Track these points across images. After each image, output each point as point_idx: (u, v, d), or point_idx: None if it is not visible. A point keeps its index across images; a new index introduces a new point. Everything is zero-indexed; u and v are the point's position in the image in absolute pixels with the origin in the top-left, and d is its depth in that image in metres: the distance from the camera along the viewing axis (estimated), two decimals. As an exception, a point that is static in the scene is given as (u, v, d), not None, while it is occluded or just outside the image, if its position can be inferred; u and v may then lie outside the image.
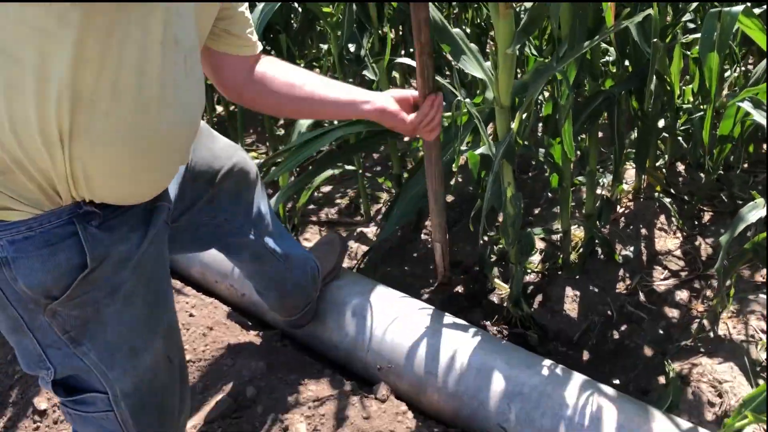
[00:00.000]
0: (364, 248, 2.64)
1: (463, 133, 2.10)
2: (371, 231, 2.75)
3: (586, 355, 2.15)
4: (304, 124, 2.45)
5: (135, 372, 1.16)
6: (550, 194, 2.80)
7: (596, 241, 2.38)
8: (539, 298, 2.30)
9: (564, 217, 2.30)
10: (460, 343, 1.74)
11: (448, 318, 1.85)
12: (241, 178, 1.57)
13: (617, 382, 2.05)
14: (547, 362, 1.67)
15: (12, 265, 0.99)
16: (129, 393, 1.17)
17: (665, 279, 2.38)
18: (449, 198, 2.84)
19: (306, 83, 1.43)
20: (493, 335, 1.80)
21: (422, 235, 2.74)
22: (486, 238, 2.43)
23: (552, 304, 2.26)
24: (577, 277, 2.36)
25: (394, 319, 1.85)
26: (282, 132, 3.50)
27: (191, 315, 2.07)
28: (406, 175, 2.84)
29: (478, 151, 1.99)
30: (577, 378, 1.62)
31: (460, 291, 2.39)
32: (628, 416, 1.49)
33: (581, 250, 2.39)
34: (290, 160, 2.11)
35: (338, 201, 3.07)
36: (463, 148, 2.19)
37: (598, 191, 2.61)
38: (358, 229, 2.76)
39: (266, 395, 1.76)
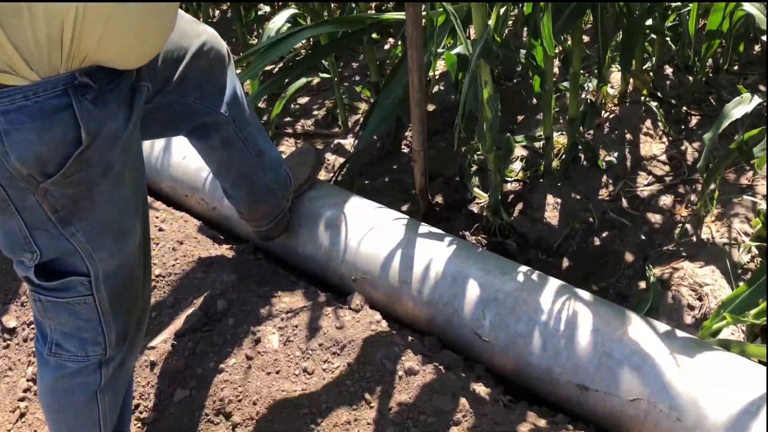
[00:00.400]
0: (341, 160, 2.56)
1: (440, 35, 1.99)
2: (349, 142, 2.66)
3: (566, 263, 2.12)
4: (273, 28, 2.32)
5: (120, 254, 1.18)
6: (535, 101, 2.70)
7: (579, 146, 2.31)
8: (520, 206, 2.24)
9: (546, 122, 2.21)
10: (435, 252, 1.69)
11: (424, 227, 1.80)
12: (212, 56, 1.49)
13: (597, 288, 2.03)
14: (523, 268, 1.63)
15: (4, 138, 0.95)
16: (111, 275, 1.18)
17: (649, 184, 2.33)
18: (430, 107, 2.74)
19: None
20: (470, 243, 1.75)
21: (402, 147, 2.66)
22: (465, 148, 2.35)
23: (533, 212, 2.21)
24: (559, 184, 2.30)
25: (369, 230, 1.79)
26: (256, 41, 3.35)
27: (161, 229, 2.01)
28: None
29: (455, 51, 1.89)
30: (553, 283, 1.58)
31: (440, 201, 2.33)
32: (604, 320, 1.46)
33: (564, 156, 2.33)
34: (259, 62, 2.00)
35: (315, 112, 2.96)
36: (441, 50, 2.09)
37: (583, 96, 2.52)
38: (336, 141, 2.67)
39: (238, 308, 1.72)
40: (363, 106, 2.86)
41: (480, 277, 1.61)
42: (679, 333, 1.45)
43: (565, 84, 2.48)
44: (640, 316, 1.50)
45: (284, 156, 2.08)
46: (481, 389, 1.52)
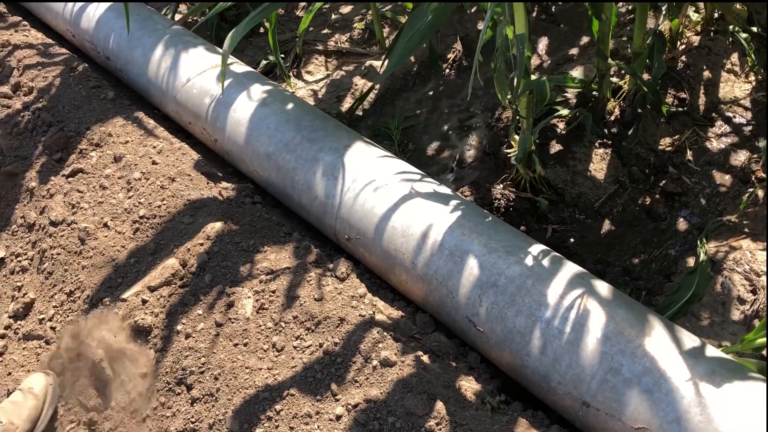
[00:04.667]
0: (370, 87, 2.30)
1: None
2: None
3: (606, 226, 1.84)
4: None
5: None
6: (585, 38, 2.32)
7: (644, 87, 1.95)
8: (561, 156, 1.95)
9: (601, 53, 1.87)
10: (436, 218, 1.46)
11: (429, 185, 1.55)
12: None
13: (638, 261, 1.75)
14: (536, 249, 1.38)
15: None
16: None
17: (723, 135, 1.97)
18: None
19: None
20: (479, 210, 1.50)
21: (448, 70, 2.36)
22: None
23: (575, 164, 1.91)
24: (614, 130, 1.98)
25: (367, 184, 1.57)
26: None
27: (154, 162, 1.85)
28: (429, -4, 2.41)
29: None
30: (567, 271, 1.32)
31: (473, 143, 2.06)
32: (618, 327, 1.21)
33: (622, 98, 1.99)
34: None
35: (356, 25, 2.67)
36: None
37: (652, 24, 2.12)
38: (368, 63, 2.40)
39: (217, 262, 1.56)
40: (404, 20, 2.55)
41: (481, 255, 1.37)
42: (710, 350, 1.19)
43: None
44: (664, 323, 1.24)
45: (312, 78, 1.80)
46: (469, 385, 1.33)
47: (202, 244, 1.61)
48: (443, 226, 1.44)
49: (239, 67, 2.01)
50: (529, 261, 1.34)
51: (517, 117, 1.89)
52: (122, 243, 1.68)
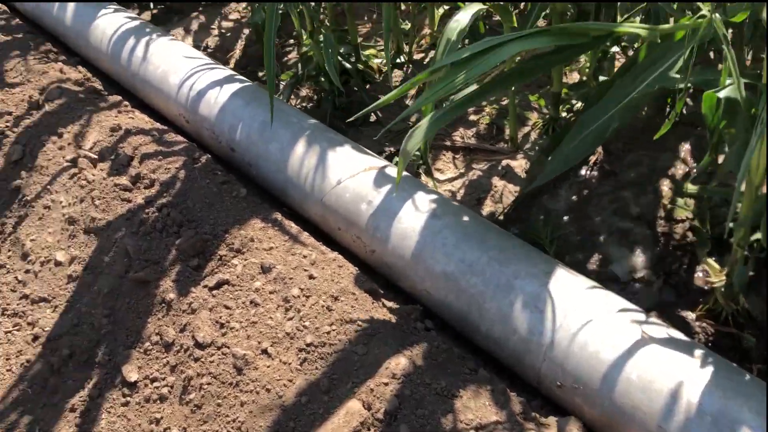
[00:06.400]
0: (511, 188, 2.12)
1: (688, 57, 1.50)
2: (520, 165, 2.21)
3: (819, 367, 1.63)
4: (454, 28, 1.86)
5: None
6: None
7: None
8: (752, 281, 1.75)
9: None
10: (683, 372, 1.26)
11: (661, 328, 1.35)
12: None
13: None
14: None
15: None
16: None
17: None
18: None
19: None
20: (733, 367, 1.30)
21: (588, 172, 2.19)
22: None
23: (770, 292, 1.72)
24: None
25: (585, 323, 1.37)
26: (407, 25, 2.90)
27: (311, 276, 1.64)
28: (565, 91, 2.27)
29: (723, 93, 1.40)
30: None
31: (638, 261, 1.87)
32: None
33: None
34: (438, 86, 1.54)
35: (473, 118, 2.52)
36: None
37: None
38: (504, 162, 2.23)
39: (411, 410, 1.34)
40: (534, 118, 2.40)
41: (758, 428, 1.16)
42: None
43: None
44: None
45: (444, 177, 1.65)
46: None
47: (386, 384, 1.39)
48: (697, 384, 1.23)
49: (391, 169, 1.84)
50: (820, 437, 1.14)
51: (704, 238, 1.72)
52: (288, 376, 1.46)
